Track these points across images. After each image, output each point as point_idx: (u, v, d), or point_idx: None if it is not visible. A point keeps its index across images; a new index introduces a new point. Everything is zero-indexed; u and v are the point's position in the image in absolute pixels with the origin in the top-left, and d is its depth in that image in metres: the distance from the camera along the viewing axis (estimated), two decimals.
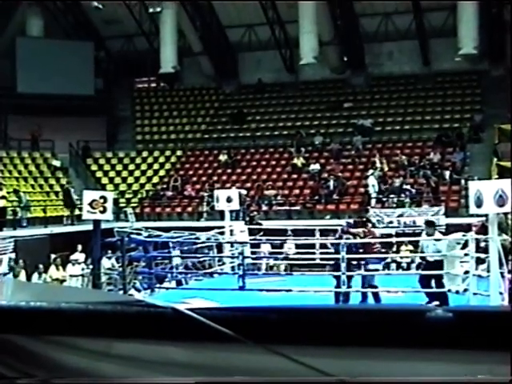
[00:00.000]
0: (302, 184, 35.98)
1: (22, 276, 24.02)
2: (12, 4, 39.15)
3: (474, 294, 15.69)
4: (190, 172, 38.90)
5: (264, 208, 33.60)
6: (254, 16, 40.45)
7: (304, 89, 41.93)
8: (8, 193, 33.07)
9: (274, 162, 38.31)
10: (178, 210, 35.88)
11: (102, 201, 17.84)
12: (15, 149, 38.85)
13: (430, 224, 18.13)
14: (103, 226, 19.13)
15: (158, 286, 20.35)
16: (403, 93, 40.54)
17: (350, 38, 39.79)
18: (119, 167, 40.57)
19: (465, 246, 16.75)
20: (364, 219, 18.07)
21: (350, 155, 37.22)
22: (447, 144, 35.92)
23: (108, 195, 18.89)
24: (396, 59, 40.72)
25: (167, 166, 39.85)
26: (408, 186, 32.50)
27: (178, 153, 40.67)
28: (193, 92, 44.46)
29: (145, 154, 41.16)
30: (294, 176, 36.63)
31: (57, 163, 38.94)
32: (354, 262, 17.22)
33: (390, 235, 26.04)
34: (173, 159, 40.30)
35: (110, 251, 23.69)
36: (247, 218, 26.72)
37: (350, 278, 17.07)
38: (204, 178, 37.76)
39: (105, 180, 39.59)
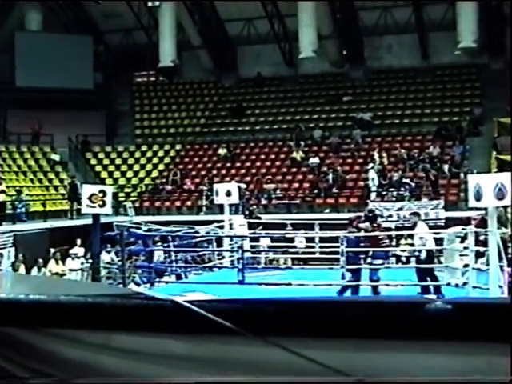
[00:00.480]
0: (301, 178, 35.97)
1: (22, 270, 24.00)
2: None
3: (474, 287, 15.71)
4: (190, 166, 38.89)
5: (263, 202, 33.60)
6: (253, 10, 40.38)
7: (303, 82, 41.90)
8: (7, 187, 33.07)
9: (273, 156, 38.30)
10: (178, 203, 35.87)
11: (101, 195, 17.85)
12: (14, 143, 38.81)
13: (415, 215, 18.21)
14: (102, 220, 19.14)
15: (157, 279, 20.35)
16: (402, 86, 40.51)
17: (350, 31, 39.74)
18: (118, 161, 40.55)
19: (464, 239, 16.78)
20: (371, 214, 17.96)
21: (350, 149, 37.21)
22: (446, 137, 35.91)
23: (107, 189, 18.90)
24: (395, 53, 40.67)
25: (166, 159, 39.83)
26: (407, 180, 32.50)
27: (178, 147, 40.65)
28: (192, 86, 44.42)
29: (144, 148, 41.14)
30: (294, 170, 36.62)
31: (56, 157, 38.92)
32: (362, 256, 17.18)
33: (389, 229, 26.03)
34: (172, 153, 40.28)
35: (109, 245, 23.68)
36: (246, 212, 26.71)
37: (358, 271, 17.03)
38: (203, 172, 37.75)
39: (104, 174, 39.57)
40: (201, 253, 22.95)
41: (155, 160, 40.04)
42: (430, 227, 21.06)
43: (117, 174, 39.54)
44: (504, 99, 34.14)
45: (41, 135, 39.53)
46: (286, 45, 41.51)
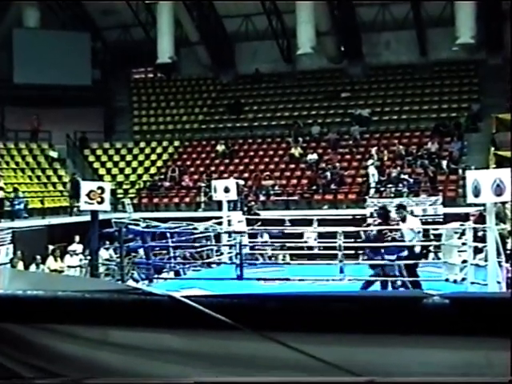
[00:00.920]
0: (299, 174, 35.98)
1: (20, 267, 24.00)
2: None
3: (472, 283, 15.72)
4: (188, 162, 38.89)
5: (262, 198, 33.61)
6: (251, 6, 40.35)
7: (301, 79, 41.89)
8: (5, 184, 33.08)
9: (271, 152, 38.31)
10: (176, 200, 35.89)
11: (99, 191, 17.83)
12: (12, 140, 38.79)
13: (401, 208, 18.17)
14: (101, 216, 19.14)
15: (156, 276, 20.35)
16: (401, 82, 40.52)
17: (348, 27, 39.73)
18: (117, 158, 40.54)
19: (462, 235, 16.79)
20: (383, 211, 17.87)
21: (348, 145, 37.23)
22: (445, 134, 35.91)
23: (105, 186, 18.87)
24: (393, 49, 40.66)
25: (165, 156, 39.83)
26: (406, 176, 32.52)
27: (176, 143, 40.64)
28: (190, 82, 44.40)
29: (142, 144, 41.13)
30: (292, 166, 36.63)
31: (54, 154, 38.89)
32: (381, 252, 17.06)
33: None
34: (170, 150, 40.27)
35: (107, 242, 23.67)
36: (245, 208, 26.70)
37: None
38: (201, 169, 37.75)
39: (102, 171, 39.56)
40: (199, 249, 22.94)
41: (153, 156, 40.03)
42: (429, 223, 21.13)
43: (115, 171, 39.53)
44: (502, 95, 34.19)
45: (39, 132, 39.52)
46: (284, 41, 41.49)
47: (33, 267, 24.65)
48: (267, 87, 42.56)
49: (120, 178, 38.77)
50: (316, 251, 21.60)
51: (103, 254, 22.58)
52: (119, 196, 35.90)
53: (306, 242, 23.08)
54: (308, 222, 23.25)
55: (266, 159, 37.73)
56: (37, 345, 2.13)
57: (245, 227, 23.11)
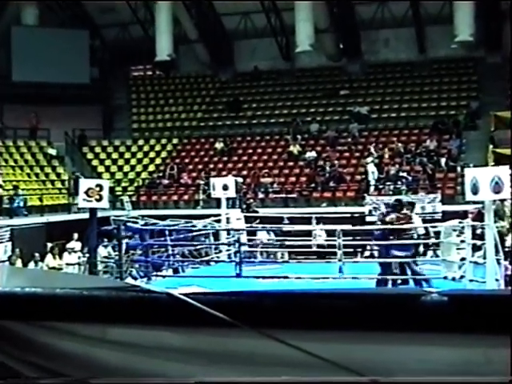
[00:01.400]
0: (298, 172, 36.00)
1: (19, 265, 24.00)
2: None
3: (471, 280, 15.73)
4: (186, 160, 38.90)
5: (260, 196, 33.62)
6: (249, 3, 40.31)
7: (300, 76, 41.88)
8: (4, 181, 33.07)
9: (270, 150, 38.32)
10: (175, 198, 35.90)
11: (98, 189, 17.84)
12: (11, 138, 38.78)
13: (410, 205, 18.18)
14: (99, 214, 19.14)
15: (154, 273, 20.36)
16: (399, 80, 40.52)
17: (346, 25, 39.74)
18: (115, 155, 40.54)
19: (461, 232, 16.79)
20: (398, 203, 17.77)
21: (347, 143, 37.24)
22: (443, 131, 35.94)
23: (104, 183, 18.89)
24: (392, 46, 40.67)
25: (163, 154, 39.83)
26: (404, 174, 32.54)
27: (174, 141, 40.64)
28: (189, 80, 44.39)
29: (141, 142, 41.13)
30: (291, 164, 36.65)
31: (53, 152, 38.90)
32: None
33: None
34: (169, 147, 40.27)
35: (106, 239, 23.68)
36: (244, 206, 26.70)
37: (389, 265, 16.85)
38: (200, 166, 37.75)
39: (101, 168, 39.56)
40: (198, 247, 22.95)
41: (152, 154, 40.03)
42: (427, 221, 21.11)
43: (114, 168, 39.53)
44: (501, 93, 34.22)
45: (38, 130, 39.53)
46: (282, 39, 41.49)
47: (31, 265, 24.66)
48: (266, 85, 42.56)
49: (119, 175, 38.78)
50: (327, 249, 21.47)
51: (102, 251, 22.60)
52: (118, 193, 35.90)
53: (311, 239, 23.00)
54: (307, 220, 23.26)
55: (265, 157, 37.73)
56: (35, 342, 2.13)
57: (243, 225, 23.11)
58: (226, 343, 2.03)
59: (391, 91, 40.02)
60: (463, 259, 16.20)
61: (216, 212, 25.40)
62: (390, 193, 31.31)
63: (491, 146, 32.06)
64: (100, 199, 17.79)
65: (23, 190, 33.21)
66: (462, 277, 16.02)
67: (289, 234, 22.12)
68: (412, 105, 38.71)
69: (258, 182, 34.75)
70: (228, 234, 23.32)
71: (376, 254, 19.09)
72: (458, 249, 16.84)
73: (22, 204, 31.66)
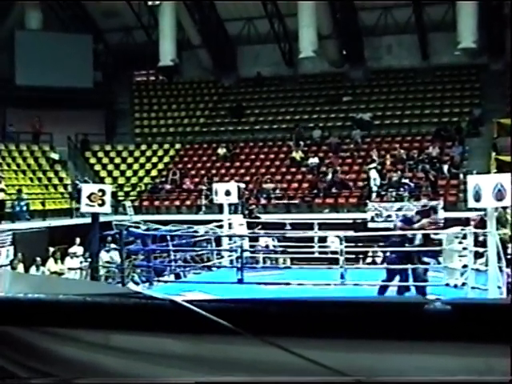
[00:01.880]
0: (300, 178, 35.99)
1: (20, 269, 24.00)
2: None
3: (472, 288, 15.71)
4: (189, 165, 38.90)
5: (263, 201, 33.61)
6: (253, 9, 40.39)
7: (303, 82, 41.89)
8: (7, 186, 33.08)
9: (272, 156, 38.31)
10: (177, 203, 35.88)
11: (100, 194, 17.84)
12: (14, 141, 38.81)
13: (428, 207, 18.16)
14: (101, 219, 19.14)
15: (156, 279, 20.35)
16: (402, 87, 40.51)
17: (349, 31, 39.74)
18: (118, 160, 40.56)
19: (463, 239, 16.77)
20: (427, 207, 17.66)
21: (349, 149, 37.22)
22: (446, 138, 35.92)
23: (106, 188, 18.89)
24: (395, 53, 40.67)
25: (166, 159, 39.85)
26: (407, 180, 32.51)
27: (177, 146, 40.66)
28: (191, 85, 44.41)
29: (143, 147, 41.15)
30: (293, 169, 36.63)
31: (55, 156, 38.91)
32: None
33: (388, 229, 26.02)
34: (171, 152, 40.29)
35: (108, 244, 23.68)
36: (246, 212, 26.70)
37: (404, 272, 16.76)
38: (203, 172, 37.76)
39: (103, 173, 39.57)
40: (200, 252, 22.95)
41: (154, 159, 40.05)
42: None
43: (116, 173, 39.54)
44: (503, 100, 34.22)
45: (40, 134, 39.57)
46: (285, 45, 41.50)
47: (33, 269, 24.65)
48: (269, 91, 42.56)
49: (121, 180, 38.78)
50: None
51: (104, 256, 22.59)
52: (120, 198, 35.89)
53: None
54: (309, 226, 23.25)
55: (267, 162, 37.72)
56: (38, 348, 2.13)
57: (245, 230, 23.10)
58: (229, 350, 2.03)
59: (394, 98, 40.02)
60: (465, 266, 16.18)
61: (218, 218, 25.39)
62: (393, 199, 31.31)
63: (494, 153, 32.05)
64: (102, 204, 17.80)
65: (26, 194, 33.20)
66: (463, 284, 16.00)
67: (291, 239, 22.11)
68: (415, 111, 38.70)
69: (260, 187, 34.73)
70: (230, 239, 23.32)
71: (378, 260, 18.96)
72: (460, 256, 16.82)
73: (24, 208, 31.66)
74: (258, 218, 25.08)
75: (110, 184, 30.82)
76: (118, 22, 42.60)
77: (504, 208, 16.72)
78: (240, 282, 18.57)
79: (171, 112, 43.29)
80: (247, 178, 35.65)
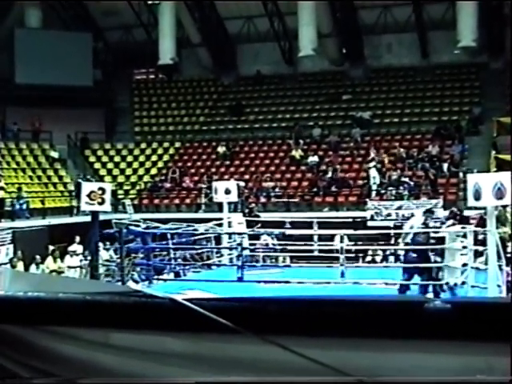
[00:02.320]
0: (300, 176, 36.00)
1: (20, 267, 23.99)
2: None
3: (472, 286, 15.71)
4: (189, 164, 38.91)
5: (262, 200, 33.62)
6: (253, 8, 40.39)
7: (303, 81, 41.89)
8: (6, 184, 33.08)
9: (272, 154, 38.32)
10: (177, 201, 35.91)
11: (100, 192, 17.82)
12: (13, 140, 38.78)
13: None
14: (101, 217, 19.14)
15: (156, 277, 20.35)
16: (402, 85, 40.52)
17: (349, 30, 39.75)
18: (117, 159, 40.57)
19: (463, 238, 16.77)
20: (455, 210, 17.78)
21: (349, 147, 37.23)
22: (446, 137, 35.93)
23: (106, 187, 18.88)
24: (395, 51, 40.68)
25: (165, 157, 39.86)
26: (406, 179, 32.52)
27: (177, 144, 40.67)
28: (191, 83, 44.40)
29: (143, 145, 41.16)
30: (293, 168, 36.64)
31: (55, 154, 38.91)
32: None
33: (388, 228, 26.04)
34: (171, 151, 40.29)
35: (108, 243, 23.67)
36: (246, 210, 26.70)
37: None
38: (202, 170, 37.77)
39: (103, 171, 39.58)
40: (199, 250, 22.95)
41: (154, 157, 40.06)
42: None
43: (116, 172, 39.56)
44: (503, 98, 34.20)
45: (40, 132, 39.56)
46: (285, 43, 41.50)
47: (32, 267, 24.64)
48: (268, 89, 42.55)
49: (121, 178, 38.79)
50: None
51: (103, 254, 22.59)
52: (120, 197, 35.90)
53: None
54: (308, 225, 23.22)
55: (267, 161, 37.73)
56: (38, 347, 2.13)
57: (245, 229, 23.10)
58: (229, 349, 2.03)
59: (394, 96, 40.02)
60: (465, 265, 16.18)
61: (218, 216, 25.40)
62: (392, 198, 31.32)
63: (493, 152, 32.05)
64: (102, 202, 17.77)
65: (25, 192, 33.20)
66: (463, 282, 15.99)
67: (291, 238, 22.08)
68: (414, 110, 38.72)
69: (260, 186, 34.74)
70: (230, 238, 23.31)
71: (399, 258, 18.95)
72: (460, 254, 16.82)
73: (24, 206, 31.67)
74: (258, 216, 25.07)
75: (109, 182, 30.81)
76: (118, 21, 42.60)
77: (504, 206, 16.72)
78: (240, 280, 18.57)
79: (171, 110, 43.29)
80: (247, 177, 35.67)
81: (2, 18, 39.61)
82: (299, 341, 1.96)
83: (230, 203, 25.81)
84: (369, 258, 24.95)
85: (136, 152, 40.78)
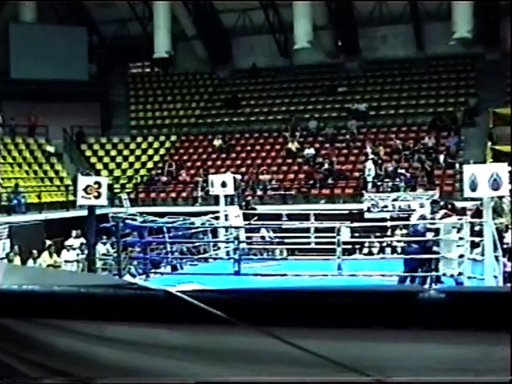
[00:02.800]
0: (296, 169, 36.01)
1: (17, 262, 23.97)
2: None
3: (469, 277, 15.75)
4: (185, 157, 38.91)
5: (259, 193, 33.63)
6: (248, 0, 40.31)
7: (298, 73, 41.89)
8: (2, 179, 33.05)
9: (268, 147, 38.32)
10: (173, 195, 35.91)
11: (96, 186, 17.82)
12: (9, 135, 38.73)
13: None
14: (98, 211, 19.13)
15: (153, 271, 20.37)
16: (397, 77, 40.53)
17: (345, 22, 39.71)
18: (113, 153, 40.53)
19: (460, 229, 16.80)
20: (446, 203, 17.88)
21: (345, 140, 37.23)
22: (442, 128, 35.95)
23: (102, 181, 18.87)
24: (390, 43, 40.66)
25: (162, 151, 39.84)
26: (403, 171, 32.54)
27: (173, 138, 40.65)
28: (187, 77, 44.38)
29: (139, 139, 41.13)
30: (289, 161, 36.65)
31: (51, 149, 38.88)
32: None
33: (384, 219, 26.09)
34: (167, 144, 40.28)
35: (104, 237, 23.68)
36: (242, 203, 26.71)
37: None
38: (198, 163, 37.77)
39: (99, 165, 39.55)
40: (196, 244, 22.97)
41: (150, 151, 40.04)
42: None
43: (112, 166, 39.53)
44: (499, 89, 34.20)
45: (36, 127, 39.51)
46: (281, 36, 41.48)
47: (30, 262, 24.63)
48: (264, 82, 42.54)
49: (117, 172, 38.78)
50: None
51: (100, 248, 22.59)
52: (116, 191, 35.87)
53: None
54: (305, 217, 23.25)
55: (263, 154, 37.74)
56: (32, 340, 2.12)
57: (242, 222, 23.11)
58: (225, 341, 2.02)
59: (389, 88, 40.03)
60: (461, 256, 16.21)
61: (214, 209, 25.42)
62: (389, 190, 31.34)
63: (490, 143, 32.07)
64: (98, 196, 17.77)
65: (22, 187, 33.17)
66: (460, 274, 16.03)
67: (288, 231, 22.12)
68: (410, 102, 38.73)
69: (256, 179, 34.74)
70: (226, 231, 23.33)
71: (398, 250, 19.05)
72: (456, 246, 16.85)
73: (21, 201, 31.64)
74: (254, 209, 25.09)
75: (105, 176, 30.79)
76: (113, 14, 42.50)
77: (500, 197, 16.74)
78: (237, 273, 18.59)
79: (167, 104, 43.27)
80: (243, 170, 35.66)
81: None
82: (294, 332, 1.95)
83: (226, 196, 25.82)
84: (365, 250, 24.94)
85: (132, 146, 40.76)
